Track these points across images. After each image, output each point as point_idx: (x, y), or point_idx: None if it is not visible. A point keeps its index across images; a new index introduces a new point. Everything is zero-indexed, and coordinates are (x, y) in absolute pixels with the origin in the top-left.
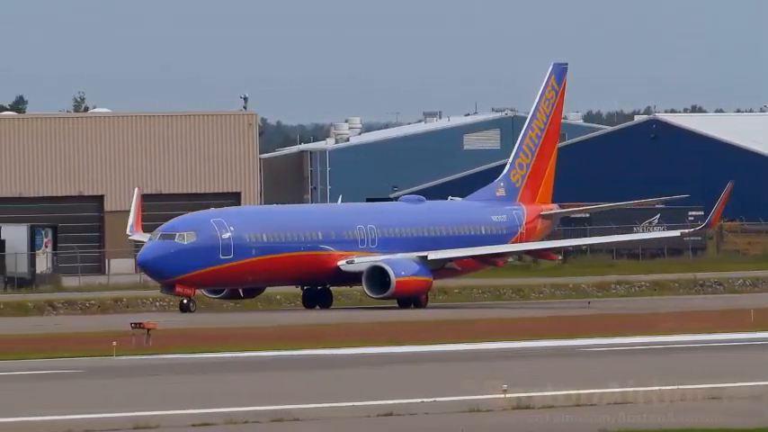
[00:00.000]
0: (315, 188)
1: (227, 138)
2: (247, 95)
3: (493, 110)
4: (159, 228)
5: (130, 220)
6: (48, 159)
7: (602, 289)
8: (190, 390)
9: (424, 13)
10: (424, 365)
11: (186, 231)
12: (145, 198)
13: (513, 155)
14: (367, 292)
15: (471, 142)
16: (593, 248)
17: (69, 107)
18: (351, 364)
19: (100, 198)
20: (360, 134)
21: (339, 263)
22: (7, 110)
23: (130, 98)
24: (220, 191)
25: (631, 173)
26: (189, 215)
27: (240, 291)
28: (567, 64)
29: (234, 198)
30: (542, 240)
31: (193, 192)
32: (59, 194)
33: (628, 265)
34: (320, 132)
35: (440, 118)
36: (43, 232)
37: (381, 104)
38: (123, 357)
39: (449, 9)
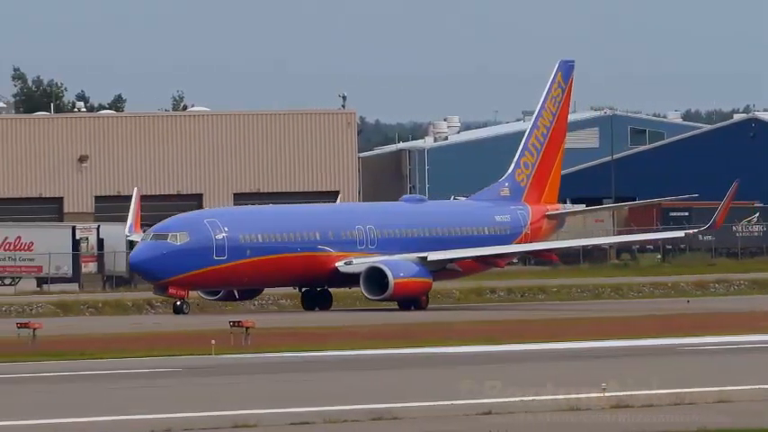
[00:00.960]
0: (413, 187)
1: (325, 136)
2: (346, 94)
3: (591, 108)
4: (152, 228)
5: (129, 221)
6: (146, 158)
7: (701, 288)
8: (288, 388)
9: (524, 11)
10: (520, 364)
11: (179, 232)
12: (243, 197)
13: (517, 154)
14: (365, 293)
15: (569, 141)
16: (692, 247)
17: (168, 106)
18: (448, 362)
19: (199, 197)
20: (458, 132)
21: (337, 264)
22: (106, 108)
23: (229, 96)
24: (318, 189)
25: (730, 172)
26: (182, 215)
27: (236, 292)
28: (573, 61)
29: (332, 197)
30: (549, 241)
31: (291, 191)
32: (158, 193)
33: (727, 263)
34: (419, 131)
35: None
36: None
37: (480, 103)
38: (222, 356)
39: (552, 7)
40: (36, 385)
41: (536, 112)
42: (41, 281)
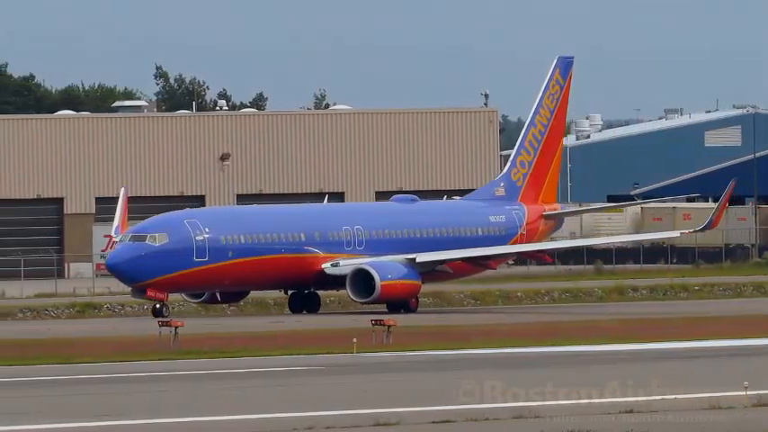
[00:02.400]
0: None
1: (467, 135)
2: (488, 92)
3: (734, 106)
4: (129, 229)
5: (116, 222)
6: (288, 156)
7: None
8: (430, 386)
9: (670, 12)
10: (660, 362)
11: (158, 233)
12: (385, 195)
13: (514, 152)
14: (351, 296)
15: (712, 139)
16: None
17: (310, 104)
18: (590, 361)
19: (341, 195)
20: (600, 131)
21: (323, 265)
22: (248, 107)
23: (372, 95)
24: (460, 188)
25: None
26: (162, 216)
27: (217, 295)
28: (572, 57)
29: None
30: (544, 242)
31: (433, 189)
32: (300, 192)
33: None
34: None
35: (680, 115)
36: None
37: (622, 101)
38: (363, 354)
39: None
40: (176, 383)
41: (533, 110)
42: None
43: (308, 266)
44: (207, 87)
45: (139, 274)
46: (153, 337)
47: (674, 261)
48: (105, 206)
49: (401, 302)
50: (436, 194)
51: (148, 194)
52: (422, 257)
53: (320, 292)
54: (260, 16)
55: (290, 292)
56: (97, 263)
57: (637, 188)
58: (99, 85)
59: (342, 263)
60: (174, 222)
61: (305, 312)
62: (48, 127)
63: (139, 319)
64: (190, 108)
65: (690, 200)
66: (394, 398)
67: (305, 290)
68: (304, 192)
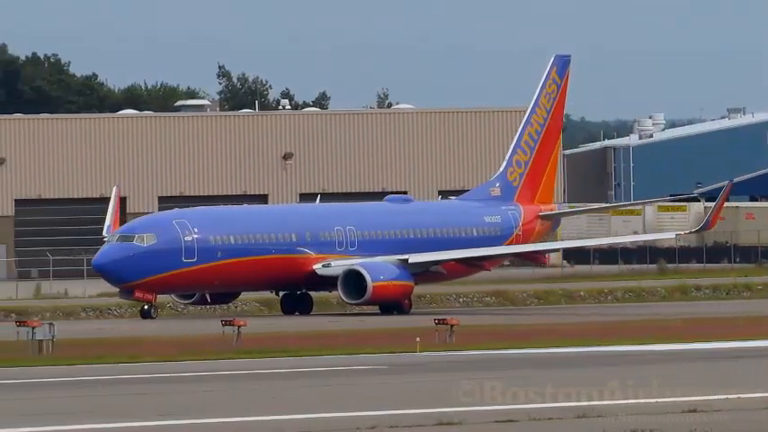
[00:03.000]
0: (618, 185)
1: None
2: None
3: None
4: (118, 229)
5: (107, 221)
6: (350, 156)
7: None
8: (491, 386)
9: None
10: (722, 362)
11: (146, 233)
12: (447, 194)
13: (509, 152)
14: (342, 297)
15: None
16: None
17: (373, 103)
18: (652, 360)
19: (403, 194)
20: (663, 130)
21: (315, 266)
22: (310, 106)
23: (434, 94)
24: None
25: None
26: (150, 216)
27: (207, 296)
28: (569, 56)
29: None
30: (538, 243)
31: None
32: (362, 191)
33: None
34: (624, 128)
35: (743, 114)
36: None
37: (685, 101)
38: (426, 353)
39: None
40: (239, 382)
41: (529, 109)
42: None
43: (300, 267)
44: (270, 87)
45: (127, 275)
46: (216, 336)
47: (737, 260)
48: (168, 205)
49: (394, 304)
50: None
51: (211, 194)
52: (414, 258)
53: (312, 294)
54: (325, 16)
55: (281, 294)
56: None
57: (699, 187)
58: (162, 85)
59: (333, 264)
60: (162, 222)
61: (297, 314)
62: (110, 126)
63: (202, 318)
64: (252, 107)
65: (753, 198)
66: (457, 397)
67: (297, 291)
68: (366, 191)
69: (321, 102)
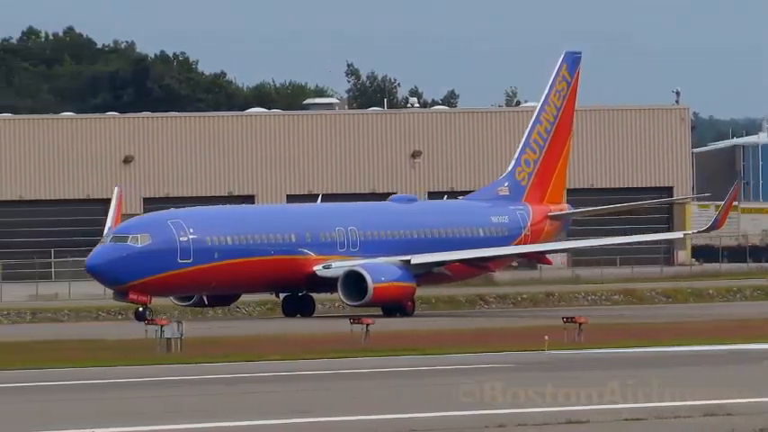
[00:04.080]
0: (747, 183)
1: (658, 132)
2: (680, 90)
3: None
4: (112, 230)
5: (108, 222)
6: (479, 153)
7: None
8: (619, 384)
9: None
10: None
11: (140, 233)
12: (577, 192)
13: (518, 151)
14: (343, 299)
15: None
16: None
17: (501, 101)
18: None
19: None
20: None
21: (315, 267)
22: (439, 104)
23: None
24: (651, 185)
25: None
26: (145, 216)
27: (204, 298)
28: (580, 53)
29: (666, 192)
30: (545, 243)
31: (624, 186)
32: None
33: None
34: (753, 127)
35: None
36: None
37: None
38: (555, 352)
39: None
40: (367, 381)
41: (538, 107)
42: None
43: (300, 268)
44: (398, 85)
45: (120, 277)
46: (345, 334)
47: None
48: (295, 203)
49: (396, 306)
50: (627, 192)
51: (339, 192)
52: (417, 259)
53: (313, 295)
54: (455, 13)
55: (282, 295)
56: None
57: None
58: (290, 83)
59: (334, 265)
60: (157, 223)
61: (299, 316)
62: (238, 125)
63: (331, 317)
64: (381, 106)
65: None
66: (585, 396)
67: (298, 292)
68: None
69: (450, 100)
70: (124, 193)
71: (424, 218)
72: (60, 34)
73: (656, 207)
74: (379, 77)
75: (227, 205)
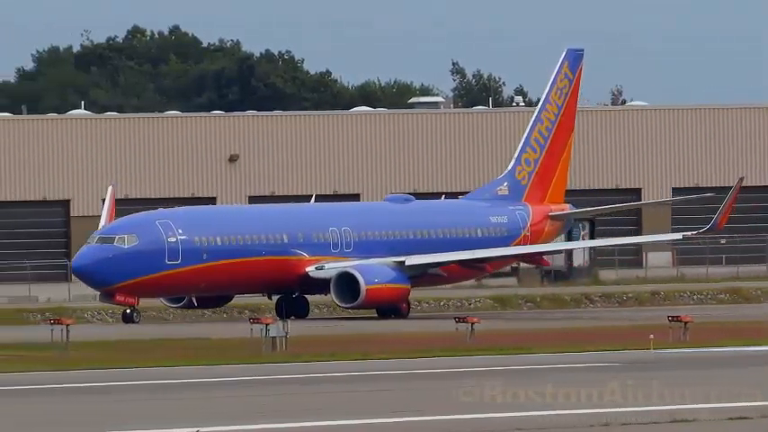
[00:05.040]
0: None
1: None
2: None
3: None
4: (97, 230)
5: (102, 222)
6: (586, 152)
7: None
8: (725, 383)
9: None
10: None
11: (127, 234)
12: (682, 191)
13: (518, 149)
14: (336, 300)
15: None
16: None
17: (607, 100)
18: None
19: (637, 191)
20: None
21: (308, 269)
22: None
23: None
24: (762, 184)
25: None
26: (132, 216)
27: (194, 299)
28: (582, 50)
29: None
30: (542, 244)
31: (732, 185)
32: (598, 187)
33: None
34: None
35: None
36: (581, 226)
37: None
38: (660, 351)
39: None
40: (477, 380)
41: (539, 105)
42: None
43: (292, 269)
44: (503, 84)
45: (107, 278)
46: (450, 333)
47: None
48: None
49: (390, 307)
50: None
51: (442, 191)
52: (411, 260)
53: (308, 297)
54: (555, 11)
55: (275, 297)
56: None
57: None
58: (395, 82)
59: (327, 266)
60: (144, 223)
61: (293, 318)
62: (343, 123)
63: (434, 316)
64: (486, 104)
65: None
66: (690, 394)
67: (292, 294)
68: (598, 187)
69: None
70: (228, 191)
71: (420, 218)
72: (166, 33)
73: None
74: (485, 76)
75: (219, 205)
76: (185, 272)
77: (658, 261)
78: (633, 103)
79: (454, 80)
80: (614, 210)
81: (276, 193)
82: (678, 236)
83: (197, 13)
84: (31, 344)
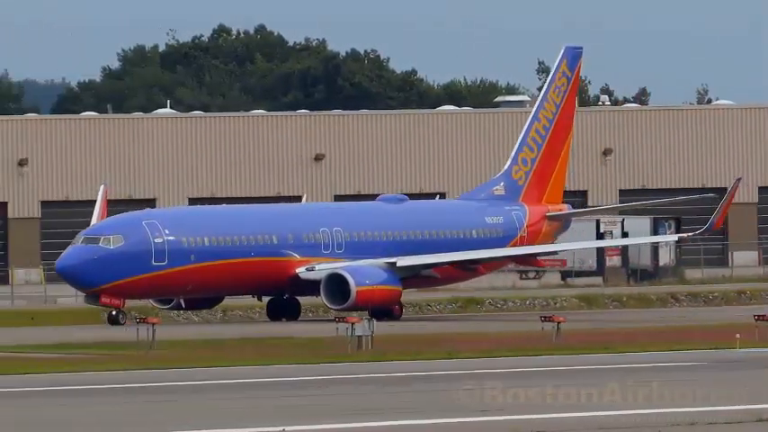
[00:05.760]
0: None
1: None
2: None
3: None
4: (83, 231)
5: (93, 221)
6: (670, 152)
7: None
8: None
9: None
10: None
11: (113, 235)
12: (763, 190)
13: (514, 149)
14: (326, 302)
15: None
16: None
17: (692, 99)
18: None
19: (722, 190)
20: None
21: (298, 270)
22: (630, 102)
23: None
24: None
25: None
26: (118, 216)
27: (181, 301)
28: (581, 48)
29: None
30: (537, 245)
31: None
32: (680, 186)
33: None
34: None
35: None
36: (666, 225)
37: None
38: (747, 350)
39: None
40: (563, 379)
41: (537, 103)
42: (565, 274)
43: (282, 271)
44: (589, 82)
45: (92, 279)
46: (536, 332)
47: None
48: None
49: (382, 310)
50: None
51: None
52: (403, 261)
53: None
54: (641, 11)
55: (266, 299)
56: None
57: None
58: (481, 81)
59: (318, 267)
60: (130, 223)
61: (284, 320)
62: (429, 122)
63: (519, 315)
64: None
65: None
66: None
67: (282, 296)
68: (684, 187)
69: (641, 98)
70: (314, 190)
71: (413, 218)
72: (251, 32)
73: None
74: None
75: (207, 205)
76: (172, 273)
77: (744, 260)
78: (719, 102)
79: (540, 79)
80: (617, 209)
81: (362, 192)
82: (674, 237)
83: (283, 13)
84: (117, 343)
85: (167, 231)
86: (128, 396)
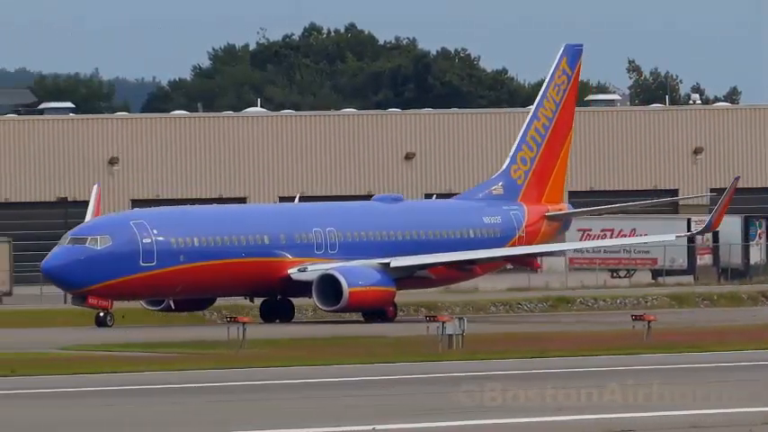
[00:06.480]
0: None
1: None
2: None
3: None
4: (69, 231)
5: (88, 218)
6: (759, 151)
7: None
8: None
9: None
10: None
11: (100, 235)
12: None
13: (513, 148)
14: (318, 303)
15: None
16: None
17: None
18: None
19: None
20: None
21: (290, 270)
22: (721, 101)
23: None
24: None
25: None
26: (106, 216)
27: (171, 302)
28: (581, 45)
29: None
30: (533, 245)
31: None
32: (760, 186)
33: None
34: None
35: None
36: (757, 223)
37: None
38: None
39: None
40: (654, 378)
41: (536, 101)
42: (656, 273)
43: (274, 271)
44: (680, 81)
45: (78, 280)
46: (626, 331)
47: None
48: (578, 201)
49: (375, 311)
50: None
51: (614, 188)
52: (397, 262)
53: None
54: (738, 7)
55: (258, 300)
56: (570, 257)
57: None
58: None
59: (310, 268)
60: (118, 224)
61: (278, 321)
62: (518, 121)
63: (610, 314)
64: (663, 102)
65: None
66: None
67: (275, 297)
68: (754, 186)
69: (732, 96)
70: (404, 188)
71: (408, 218)
72: (342, 31)
73: None
74: (662, 74)
75: (197, 205)
76: (161, 274)
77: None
78: None
79: (630, 78)
80: (613, 209)
81: (453, 191)
82: (671, 237)
83: (373, 12)
84: (209, 342)
85: (156, 231)
86: (222, 395)
